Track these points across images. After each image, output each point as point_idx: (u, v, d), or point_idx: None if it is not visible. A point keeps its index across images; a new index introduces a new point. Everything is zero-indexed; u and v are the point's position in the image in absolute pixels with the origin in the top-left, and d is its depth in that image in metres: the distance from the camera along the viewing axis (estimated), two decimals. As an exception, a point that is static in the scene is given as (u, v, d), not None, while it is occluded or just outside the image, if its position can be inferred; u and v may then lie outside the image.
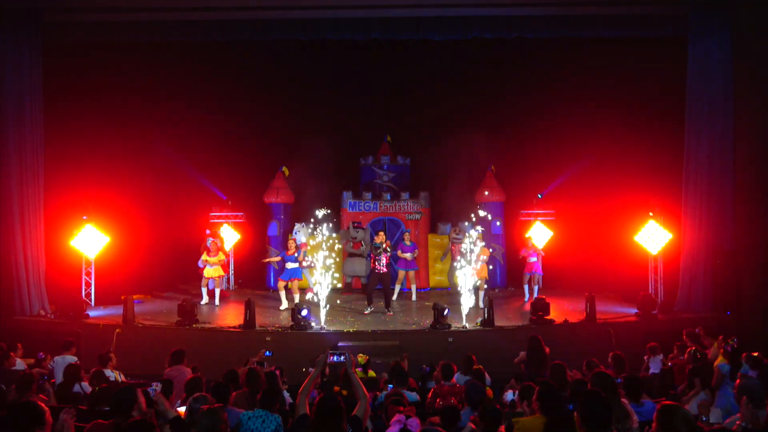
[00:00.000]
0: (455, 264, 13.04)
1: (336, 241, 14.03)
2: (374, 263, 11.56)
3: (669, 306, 11.45)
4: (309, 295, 11.90)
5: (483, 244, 11.74)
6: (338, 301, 12.32)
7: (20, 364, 8.13)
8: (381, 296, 11.84)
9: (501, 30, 12.01)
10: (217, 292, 12.70)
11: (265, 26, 12.08)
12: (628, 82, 12.94)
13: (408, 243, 12.66)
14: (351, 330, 10.25)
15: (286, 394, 6.59)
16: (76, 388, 6.90)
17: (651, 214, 11.92)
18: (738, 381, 4.94)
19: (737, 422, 4.53)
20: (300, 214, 14.38)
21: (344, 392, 6.15)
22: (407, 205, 14.53)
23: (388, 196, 14.69)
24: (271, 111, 15.01)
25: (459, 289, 10.66)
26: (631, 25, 11.89)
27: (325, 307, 10.36)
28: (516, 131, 14.81)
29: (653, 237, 11.87)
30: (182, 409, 4.92)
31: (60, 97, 12.20)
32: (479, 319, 10.37)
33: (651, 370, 8.22)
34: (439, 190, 14.94)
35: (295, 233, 13.42)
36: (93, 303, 12.13)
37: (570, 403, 4.71)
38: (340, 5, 11.66)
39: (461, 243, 12.06)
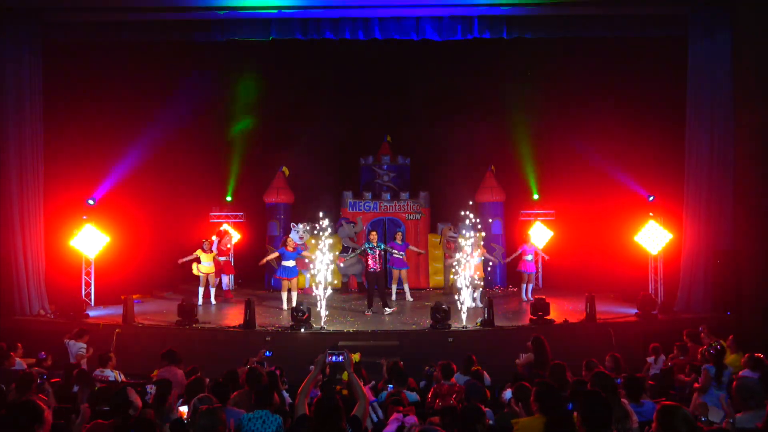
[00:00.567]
0: (449, 262, 13.10)
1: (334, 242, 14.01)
2: (368, 263, 11.57)
3: (669, 306, 11.45)
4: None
5: (474, 240, 11.74)
6: (338, 301, 12.33)
7: (20, 364, 8.13)
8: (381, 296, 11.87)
9: (501, 30, 12.00)
10: (212, 290, 12.67)
11: (264, 26, 12.08)
12: (628, 82, 12.94)
13: (399, 242, 12.63)
14: (351, 330, 10.25)
15: (286, 394, 6.58)
16: (76, 388, 6.90)
17: (651, 214, 11.92)
18: (735, 383, 4.94)
19: (737, 424, 4.54)
20: (300, 214, 14.39)
21: (344, 392, 6.14)
22: (407, 205, 14.53)
23: (388, 196, 14.69)
24: (271, 111, 15.01)
25: (458, 286, 10.65)
26: (631, 25, 11.88)
27: (324, 298, 10.35)
28: (516, 131, 14.80)
29: (653, 237, 11.87)
30: (183, 409, 4.91)
31: (60, 96, 12.20)
32: (479, 319, 10.37)
33: (652, 371, 8.23)
34: (439, 190, 14.94)
35: (294, 232, 13.41)
36: (93, 303, 12.14)
37: (569, 402, 4.70)
38: (340, 5, 11.66)
39: (455, 241, 12.06)
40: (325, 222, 10.89)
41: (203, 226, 14.44)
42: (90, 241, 11.90)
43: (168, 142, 13.97)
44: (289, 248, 11.84)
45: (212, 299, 12.63)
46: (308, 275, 13.07)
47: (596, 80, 13.40)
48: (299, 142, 14.84)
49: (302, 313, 10.01)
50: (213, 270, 12.63)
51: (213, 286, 12.72)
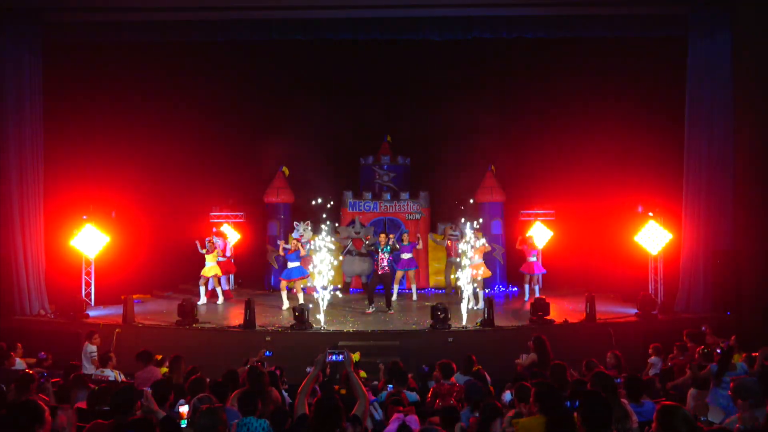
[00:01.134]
0: (450, 260, 13.12)
1: (334, 241, 14.01)
2: (377, 264, 11.61)
3: (669, 306, 11.45)
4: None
5: (483, 241, 11.77)
6: (339, 301, 12.33)
7: (20, 363, 8.14)
8: (382, 296, 11.88)
9: (501, 30, 12.01)
10: (219, 290, 12.70)
11: (265, 26, 12.09)
12: (628, 82, 12.94)
13: (406, 243, 12.68)
14: (351, 330, 10.25)
15: (286, 394, 6.58)
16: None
17: (651, 214, 11.91)
18: (732, 383, 4.93)
19: (737, 425, 4.52)
20: (300, 214, 14.38)
21: (342, 391, 6.14)
22: (407, 205, 14.52)
23: (388, 196, 14.69)
24: (271, 111, 15.02)
25: (459, 284, 10.66)
26: (631, 25, 11.88)
27: (323, 304, 10.37)
28: (516, 131, 14.80)
29: (653, 237, 11.87)
30: (184, 410, 4.91)
31: (60, 96, 12.20)
32: (479, 319, 10.38)
33: (652, 371, 8.23)
34: (439, 190, 14.93)
35: (296, 231, 13.40)
36: (93, 303, 12.14)
37: (569, 402, 4.70)
38: (340, 5, 11.66)
39: (457, 240, 12.07)
40: (326, 222, 10.93)
41: (203, 226, 14.43)
42: (90, 241, 11.90)
43: (168, 142, 13.97)
44: (292, 249, 11.86)
45: (220, 299, 12.64)
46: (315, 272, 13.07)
47: (596, 80, 13.39)
48: (299, 141, 14.82)
49: (302, 313, 10.02)
50: (217, 270, 12.64)
51: (219, 287, 12.73)
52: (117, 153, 13.00)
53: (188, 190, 14.51)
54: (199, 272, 12.60)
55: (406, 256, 12.67)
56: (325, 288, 10.62)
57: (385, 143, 15.79)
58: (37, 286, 11.54)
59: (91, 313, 11.42)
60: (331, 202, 13.77)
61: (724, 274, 11.11)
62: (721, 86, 11.32)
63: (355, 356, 7.70)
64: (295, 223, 13.55)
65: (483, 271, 11.85)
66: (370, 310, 11.58)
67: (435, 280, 14.47)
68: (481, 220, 12.88)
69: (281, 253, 12.18)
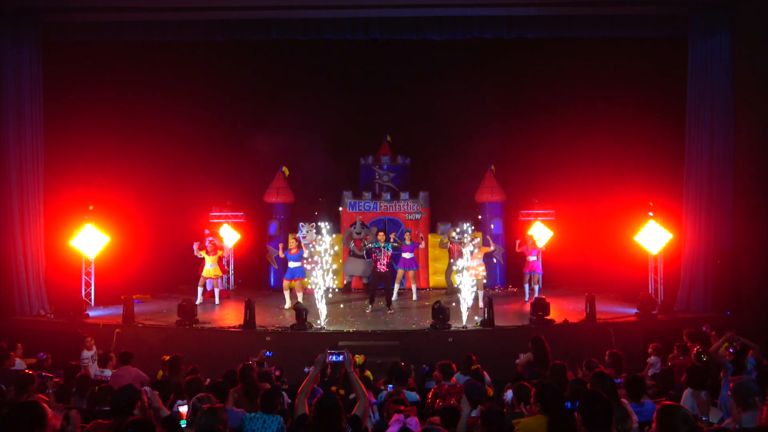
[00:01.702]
0: (452, 262, 13.11)
1: (334, 240, 14.00)
2: (376, 263, 11.62)
3: (669, 306, 11.45)
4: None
5: (478, 240, 11.78)
6: (339, 301, 12.33)
7: (20, 364, 8.13)
8: (382, 295, 11.88)
9: (501, 30, 12.01)
10: (217, 291, 12.70)
11: (265, 26, 12.08)
12: (628, 82, 12.95)
13: (408, 242, 12.68)
14: (351, 330, 10.25)
15: (285, 395, 6.59)
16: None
17: (651, 214, 11.92)
18: (732, 383, 4.94)
19: (731, 425, 4.54)
20: (300, 214, 14.38)
21: (341, 391, 6.14)
22: (407, 205, 14.52)
23: (388, 196, 14.69)
24: (271, 111, 15.01)
25: (458, 286, 10.66)
26: (631, 25, 11.88)
27: (322, 300, 10.37)
28: (516, 131, 14.80)
29: (653, 237, 11.87)
30: (183, 409, 4.91)
31: (60, 96, 12.20)
32: (479, 319, 10.37)
33: (652, 371, 8.22)
34: (439, 190, 14.93)
35: (300, 232, 13.41)
36: (93, 303, 12.13)
37: (569, 402, 4.70)
38: (340, 5, 11.66)
39: (461, 243, 12.07)
40: (325, 222, 10.94)
41: (203, 226, 14.43)
42: (90, 241, 11.90)
43: (168, 142, 13.98)
44: (293, 250, 11.86)
45: (216, 300, 12.64)
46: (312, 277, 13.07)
47: (596, 80, 13.39)
48: (299, 142, 14.83)
49: (302, 313, 10.02)
50: (219, 271, 12.62)
51: (217, 287, 12.72)
52: (117, 153, 13.01)
53: (188, 190, 14.52)
54: (199, 272, 12.58)
55: (407, 255, 12.67)
56: (325, 288, 10.61)
57: (385, 143, 15.79)
58: (37, 286, 11.53)
59: (91, 313, 11.41)
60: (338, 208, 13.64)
61: (724, 274, 11.11)
62: (722, 86, 11.32)
63: (359, 359, 7.71)
64: (300, 224, 13.56)
65: (482, 271, 11.85)
66: (370, 310, 11.59)
67: (435, 280, 14.46)
68: (479, 217, 12.87)
69: (282, 255, 12.19)
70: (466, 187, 14.49)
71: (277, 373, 7.53)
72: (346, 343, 9.57)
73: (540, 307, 10.38)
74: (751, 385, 4.78)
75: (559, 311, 11.15)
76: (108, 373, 7.61)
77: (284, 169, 14.67)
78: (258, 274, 15.05)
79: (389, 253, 11.63)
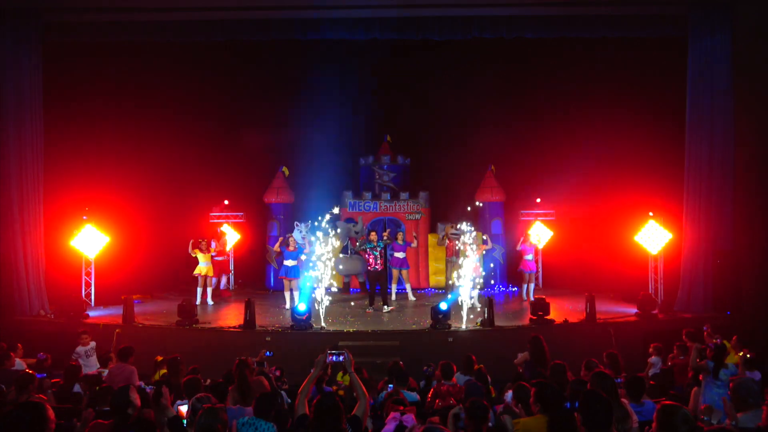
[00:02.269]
0: (449, 260, 13.09)
1: (334, 240, 13.99)
2: (369, 262, 11.60)
3: (669, 306, 11.45)
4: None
5: (470, 236, 11.76)
6: (339, 301, 12.32)
7: (20, 364, 8.13)
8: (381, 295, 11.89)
9: (501, 30, 12.01)
10: (209, 291, 12.65)
11: (264, 26, 12.09)
12: (628, 81, 12.95)
13: (401, 242, 12.66)
14: (351, 330, 10.25)
15: (285, 395, 6.58)
16: (76, 388, 6.91)
17: (651, 214, 11.92)
18: (732, 383, 4.94)
19: (727, 421, 4.56)
20: (300, 214, 14.37)
21: (341, 392, 6.14)
22: (407, 205, 14.52)
23: (388, 196, 14.69)
24: (271, 111, 15.01)
25: (451, 282, 10.65)
26: (631, 25, 11.88)
27: (322, 302, 10.37)
28: (516, 131, 14.80)
29: (653, 237, 11.87)
30: (183, 409, 4.91)
31: (60, 97, 12.20)
32: (479, 319, 10.38)
33: (652, 371, 8.22)
34: (439, 190, 14.93)
35: (297, 231, 13.39)
36: (93, 303, 12.12)
37: (568, 402, 4.70)
38: (340, 5, 11.66)
39: (458, 239, 12.05)
40: (327, 220, 10.95)
41: (203, 226, 14.43)
42: (90, 241, 11.90)
43: (168, 142, 13.97)
44: (291, 248, 11.85)
45: (209, 299, 12.61)
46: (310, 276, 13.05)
47: (596, 80, 13.38)
48: (299, 142, 14.83)
49: (302, 313, 10.01)
50: (211, 270, 12.61)
51: (210, 287, 12.71)
52: (117, 152, 13.00)
53: (188, 190, 14.52)
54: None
55: (399, 255, 12.65)
56: (325, 288, 10.61)
57: (385, 143, 15.79)
58: (37, 287, 11.53)
59: (91, 313, 11.41)
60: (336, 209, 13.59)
61: (724, 274, 11.11)
62: (722, 86, 11.32)
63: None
64: (296, 223, 13.54)
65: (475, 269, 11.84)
66: (370, 310, 11.59)
67: (435, 280, 14.46)
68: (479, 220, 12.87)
69: (277, 249, 12.18)
70: (466, 187, 14.49)
71: (278, 373, 7.53)
72: (346, 343, 9.56)
73: (540, 307, 10.38)
74: (750, 385, 4.79)
75: (559, 311, 11.15)
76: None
77: (284, 169, 14.67)
78: (258, 274, 15.04)
79: (381, 251, 11.60)
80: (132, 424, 3.72)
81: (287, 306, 11.87)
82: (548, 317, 10.35)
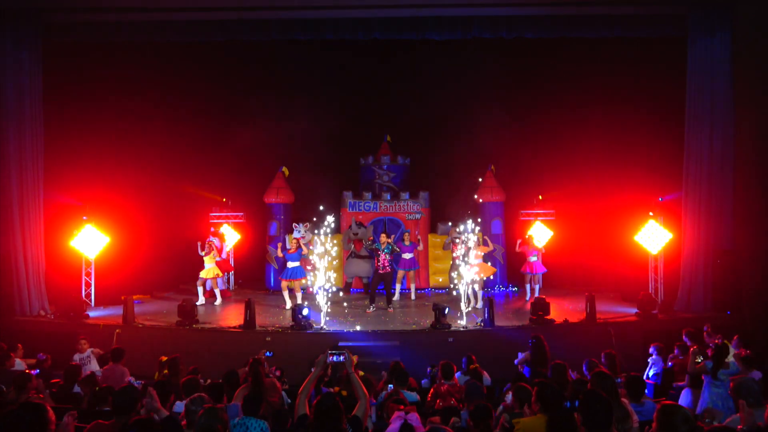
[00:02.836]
0: (456, 262, 13.10)
1: (335, 243, 14.00)
2: (381, 263, 11.66)
3: (669, 306, 11.45)
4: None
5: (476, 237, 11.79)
6: (339, 301, 12.33)
7: (20, 364, 8.13)
8: (382, 296, 11.88)
9: (501, 30, 12.01)
10: (217, 291, 12.70)
11: (264, 26, 12.09)
12: (628, 81, 12.94)
13: (407, 243, 12.70)
14: (351, 330, 10.25)
15: (285, 395, 6.59)
16: (76, 388, 6.91)
17: (651, 213, 11.92)
18: (732, 383, 4.93)
19: (738, 425, 4.51)
20: (300, 214, 14.38)
21: (344, 392, 6.14)
22: (407, 205, 14.52)
23: (388, 196, 14.69)
24: (271, 111, 15.02)
25: (453, 284, 10.67)
26: (631, 25, 11.88)
27: (326, 303, 10.39)
28: (516, 131, 14.80)
29: (653, 237, 11.87)
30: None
31: (60, 97, 12.19)
32: (479, 319, 10.37)
33: (653, 371, 8.22)
34: (439, 190, 14.93)
35: (296, 232, 13.41)
36: (93, 303, 12.13)
37: (568, 402, 4.70)
38: (340, 5, 11.66)
39: (461, 240, 12.07)
40: (329, 219, 10.99)
41: (203, 226, 14.43)
42: (90, 241, 11.90)
43: (168, 142, 13.97)
44: (292, 250, 11.86)
45: (218, 299, 12.64)
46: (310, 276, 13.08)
47: (596, 80, 13.37)
48: (299, 142, 14.83)
49: (302, 314, 10.02)
50: (218, 271, 12.63)
51: (216, 288, 12.73)
52: (117, 152, 13.00)
53: (188, 190, 14.51)
54: (199, 272, 12.58)
55: (407, 256, 12.71)
56: (326, 288, 10.62)
57: (385, 143, 15.79)
58: (37, 287, 11.53)
59: (91, 313, 11.41)
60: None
61: (724, 274, 11.11)
62: (721, 86, 11.32)
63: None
64: (294, 224, 13.55)
65: (486, 269, 11.86)
66: (371, 309, 11.62)
67: (435, 280, 14.46)
68: (479, 220, 12.88)
69: (280, 254, 12.20)
70: (466, 187, 14.48)
71: (278, 373, 7.54)
72: (347, 343, 9.57)
73: (540, 307, 10.39)
74: (751, 384, 4.78)
75: (559, 311, 11.15)
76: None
77: (284, 169, 14.66)
78: (258, 274, 15.04)
79: (389, 256, 11.70)
80: (133, 425, 3.71)
81: (287, 306, 11.87)
82: (548, 317, 10.35)
